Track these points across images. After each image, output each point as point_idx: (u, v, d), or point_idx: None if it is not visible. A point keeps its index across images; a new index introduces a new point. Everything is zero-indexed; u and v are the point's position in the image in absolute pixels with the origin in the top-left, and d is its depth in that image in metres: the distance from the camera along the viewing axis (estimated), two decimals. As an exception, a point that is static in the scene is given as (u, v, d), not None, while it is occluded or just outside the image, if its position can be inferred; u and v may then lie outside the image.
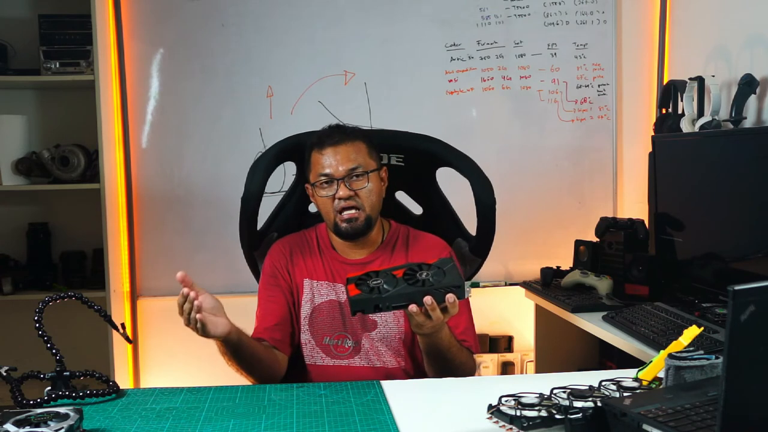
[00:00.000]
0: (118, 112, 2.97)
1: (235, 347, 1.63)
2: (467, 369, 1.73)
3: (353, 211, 1.78)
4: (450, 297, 1.50)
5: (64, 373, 1.49)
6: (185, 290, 1.52)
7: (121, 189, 3.00)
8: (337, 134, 1.83)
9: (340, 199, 1.77)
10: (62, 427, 1.23)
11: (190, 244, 3.04)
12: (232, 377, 1.73)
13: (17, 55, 2.94)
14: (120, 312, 2.94)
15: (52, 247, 3.02)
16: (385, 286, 1.51)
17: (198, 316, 1.51)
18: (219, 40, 3.00)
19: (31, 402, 1.44)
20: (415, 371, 1.83)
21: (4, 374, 1.44)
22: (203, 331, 1.53)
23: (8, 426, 1.22)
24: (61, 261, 3.01)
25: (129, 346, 3.03)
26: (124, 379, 2.98)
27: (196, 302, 1.51)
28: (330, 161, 1.79)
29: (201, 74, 3.01)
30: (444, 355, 1.67)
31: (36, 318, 1.50)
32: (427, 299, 1.49)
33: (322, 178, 1.80)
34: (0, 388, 1.48)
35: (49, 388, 1.49)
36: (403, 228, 1.93)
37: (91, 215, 2.85)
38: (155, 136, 3.01)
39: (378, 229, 1.88)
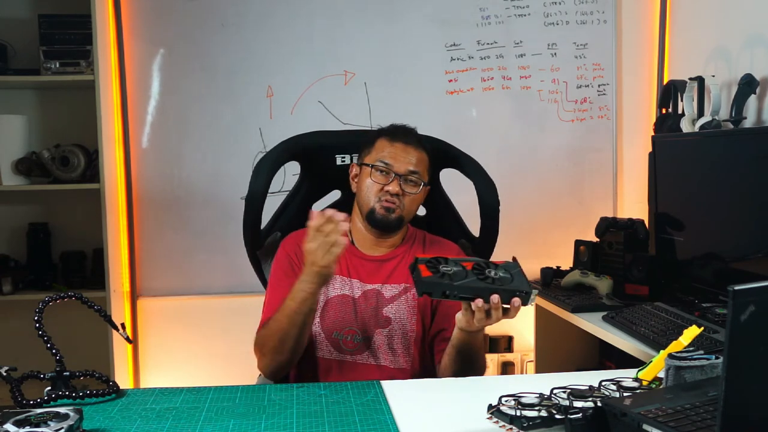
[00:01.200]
0: (118, 112, 2.97)
1: (312, 309, 1.67)
2: (481, 372, 1.74)
3: (393, 205, 1.81)
4: (516, 301, 1.50)
5: (64, 373, 1.49)
6: (331, 212, 1.56)
7: (121, 189, 3.00)
8: (412, 136, 1.88)
9: (388, 191, 1.80)
10: (62, 427, 1.23)
11: (190, 244, 3.04)
12: (232, 377, 1.73)
13: (17, 55, 2.94)
14: (120, 312, 2.94)
15: (52, 247, 3.02)
16: (455, 275, 1.50)
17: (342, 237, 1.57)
18: (219, 40, 3.01)
19: (31, 402, 1.43)
20: (421, 372, 1.83)
21: (4, 374, 1.44)
22: (328, 261, 1.58)
23: (8, 426, 1.22)
24: (61, 261, 3.00)
25: (129, 346, 3.03)
26: (124, 379, 2.98)
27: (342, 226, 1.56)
28: (397, 154, 1.82)
29: (201, 74, 3.01)
30: (475, 354, 1.68)
31: (36, 318, 1.50)
32: (494, 297, 1.48)
33: (381, 164, 1.82)
34: (0, 388, 1.48)
35: (49, 388, 1.49)
36: (420, 232, 1.96)
37: (91, 215, 2.85)
38: (155, 136, 3.02)
39: (401, 233, 1.91)
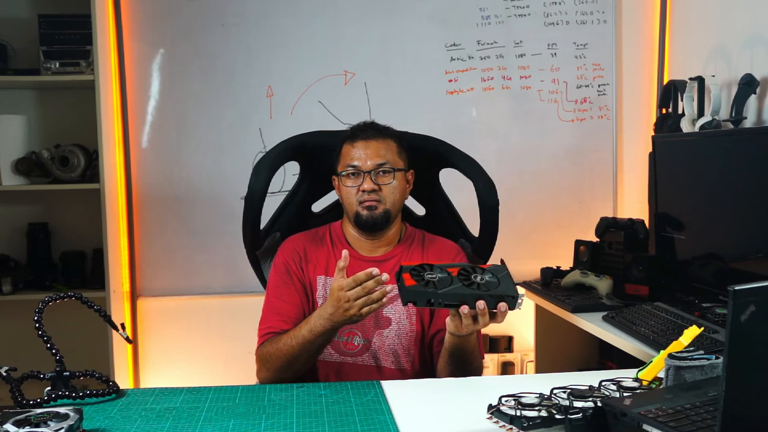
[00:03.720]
0: (118, 112, 2.97)
1: (327, 341, 1.70)
2: (478, 372, 1.75)
3: (374, 201, 1.81)
4: (502, 306, 1.49)
5: (64, 373, 1.49)
6: (376, 271, 1.57)
7: (121, 189, 3.00)
8: (370, 130, 1.88)
9: (363, 191, 1.81)
10: (62, 427, 1.23)
11: (190, 244, 3.04)
12: (232, 377, 1.73)
13: (17, 55, 2.94)
14: (120, 312, 2.94)
15: (52, 247, 3.02)
16: (440, 282, 1.49)
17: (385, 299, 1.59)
18: (219, 40, 3.00)
19: (31, 402, 1.44)
20: (422, 372, 1.83)
21: (4, 374, 1.44)
22: (365, 313, 1.60)
23: (8, 426, 1.22)
24: (61, 261, 3.01)
25: (129, 346, 3.03)
26: (124, 379, 2.98)
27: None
28: (359, 154, 1.83)
29: (201, 74, 3.01)
30: (467, 357, 1.68)
31: (36, 318, 1.50)
32: (480, 303, 1.48)
33: (350, 168, 1.83)
34: (0, 388, 1.48)
35: (49, 388, 1.49)
36: (419, 231, 1.96)
37: (91, 215, 2.85)
38: (155, 136, 3.01)
39: (396, 229, 1.90)
